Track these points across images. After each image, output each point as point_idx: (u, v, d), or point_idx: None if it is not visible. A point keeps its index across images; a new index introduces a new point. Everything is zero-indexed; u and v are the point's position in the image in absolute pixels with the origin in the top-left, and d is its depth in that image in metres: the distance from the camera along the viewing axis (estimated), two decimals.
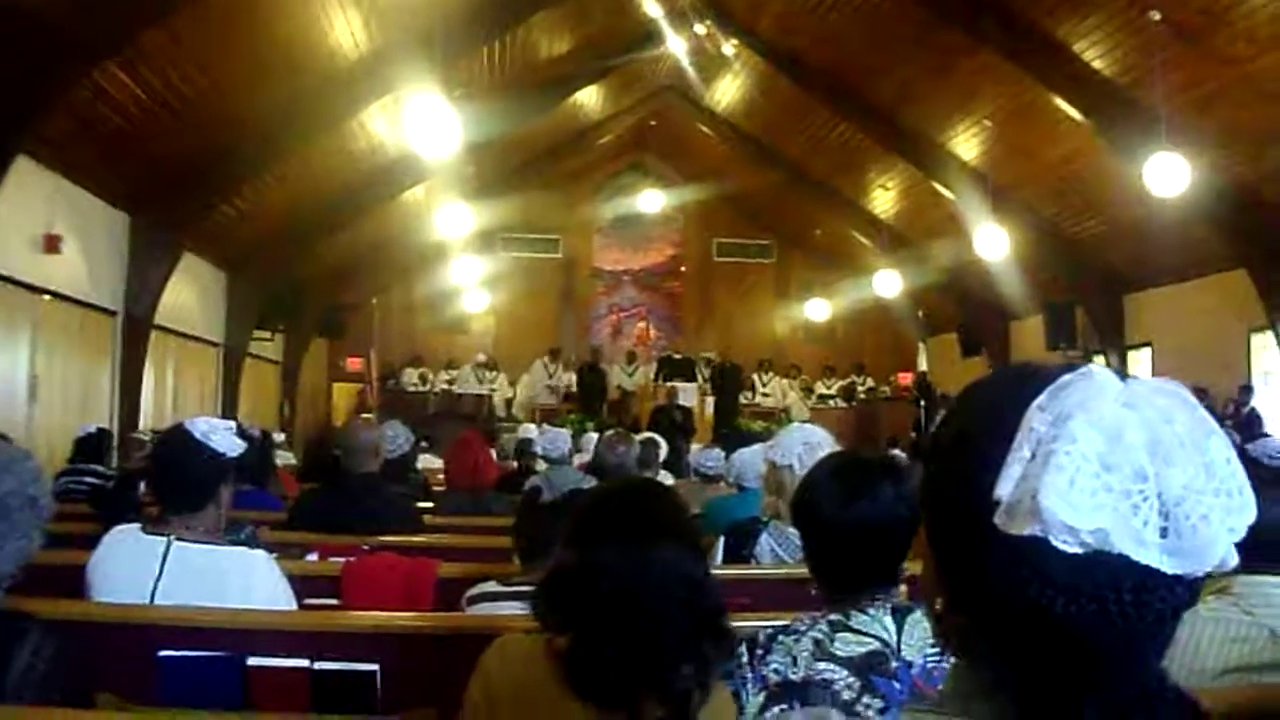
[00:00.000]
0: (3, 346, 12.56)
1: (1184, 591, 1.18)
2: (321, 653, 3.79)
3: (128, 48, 11.87)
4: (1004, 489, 1.16)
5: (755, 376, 27.71)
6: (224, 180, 15.84)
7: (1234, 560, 1.16)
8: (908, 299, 26.33)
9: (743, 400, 25.84)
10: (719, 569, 5.04)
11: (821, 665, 2.73)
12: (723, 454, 9.84)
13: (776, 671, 2.77)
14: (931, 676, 2.71)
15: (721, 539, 5.51)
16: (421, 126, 14.60)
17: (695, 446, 15.08)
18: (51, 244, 13.13)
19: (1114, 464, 1.13)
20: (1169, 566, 1.14)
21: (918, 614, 2.81)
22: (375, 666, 3.82)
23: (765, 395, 27.79)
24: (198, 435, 4.05)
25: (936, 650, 2.73)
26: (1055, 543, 1.13)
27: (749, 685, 2.80)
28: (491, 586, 4.41)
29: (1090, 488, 1.12)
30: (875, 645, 2.78)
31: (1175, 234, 16.83)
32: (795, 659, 2.76)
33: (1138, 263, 19.20)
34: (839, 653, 2.76)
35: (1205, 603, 3.39)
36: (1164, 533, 1.13)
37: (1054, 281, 20.97)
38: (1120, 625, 1.16)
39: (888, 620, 2.82)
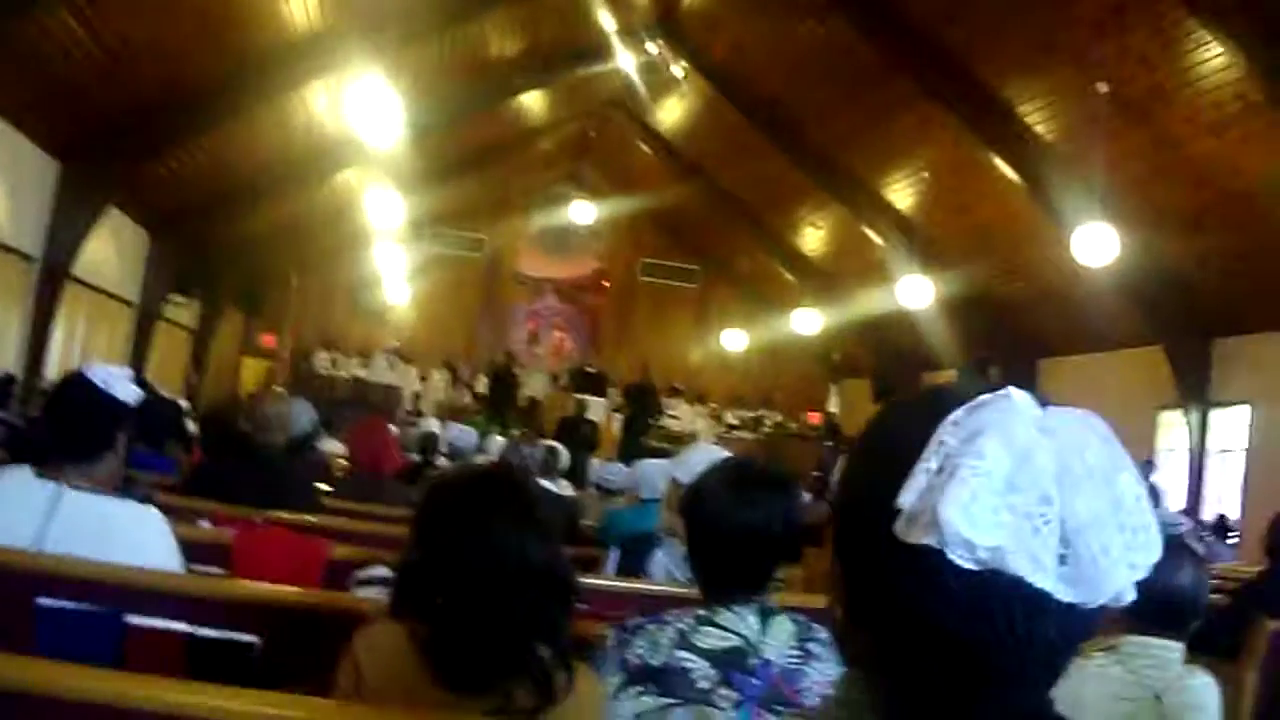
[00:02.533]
0: None
1: (1078, 624, 1.18)
2: (203, 619, 3.74)
3: None
4: (907, 498, 1.15)
5: (665, 400, 27.76)
6: (159, 138, 15.66)
7: (1130, 595, 1.16)
8: (825, 339, 26.47)
9: (652, 421, 25.83)
10: (610, 580, 5.03)
11: (681, 654, 2.83)
12: (624, 468, 9.86)
13: (639, 655, 2.86)
14: (791, 677, 2.83)
15: (614, 551, 5.50)
16: (363, 109, 14.52)
17: (597, 461, 15.08)
18: None
19: (1020, 485, 1.12)
20: (1064, 594, 1.13)
21: (782, 617, 2.94)
22: (256, 639, 3.77)
23: (674, 418, 27.84)
24: (97, 382, 3.94)
25: (798, 653, 2.85)
26: (951, 556, 1.12)
27: (608, 665, 2.89)
28: (381, 571, 4.38)
29: (992, 505, 1.11)
30: (737, 642, 2.87)
31: (1097, 304, 17.00)
32: (658, 645, 2.86)
33: (1058, 328, 19.38)
34: (700, 644, 2.85)
35: (1092, 658, 3.44)
36: (1062, 559, 1.13)
37: (971, 338, 21.07)
38: (1011, 648, 1.15)
39: (752, 619, 2.91)
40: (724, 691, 2.78)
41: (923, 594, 1.15)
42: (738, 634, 2.88)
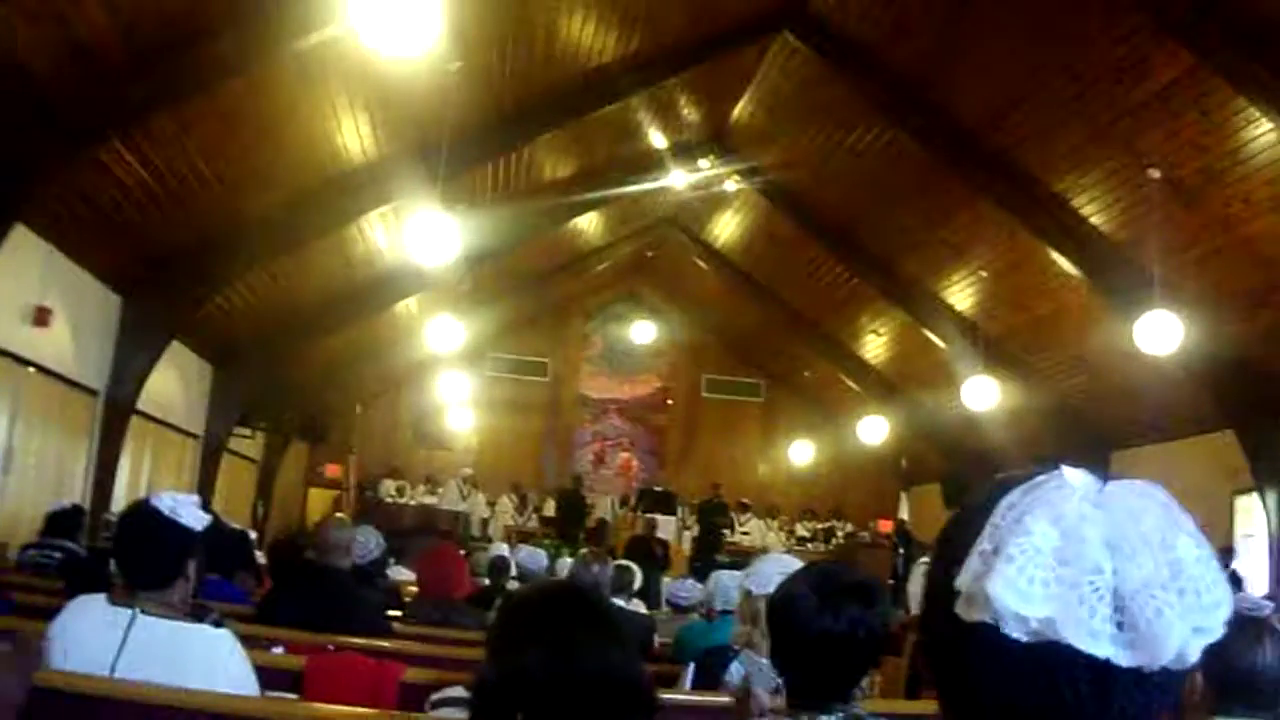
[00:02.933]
0: None
1: (1154, 694, 1.20)
2: None
3: (136, 129, 11.90)
4: (963, 580, 1.21)
5: (734, 516, 27.66)
6: (219, 272, 15.81)
7: (1194, 657, 1.17)
8: (893, 446, 26.33)
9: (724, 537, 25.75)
10: (688, 695, 4.97)
11: None
12: (696, 585, 9.80)
13: None
14: None
15: (691, 665, 5.44)
16: (420, 237, 14.60)
17: (668, 579, 14.99)
18: (41, 317, 13.05)
19: (1069, 558, 1.16)
20: (1123, 659, 1.15)
21: None
22: None
23: (744, 534, 27.72)
24: (164, 510, 3.97)
25: None
26: (1006, 631, 1.16)
27: None
28: (458, 691, 4.33)
29: (1041, 578, 1.15)
30: None
31: (1165, 392, 16.87)
32: None
33: (1126, 420, 19.20)
34: None
35: None
36: (1120, 626, 1.15)
37: (1041, 436, 20.90)
38: (1079, 718, 1.18)
39: None
40: None
41: (990, 672, 1.21)
42: None
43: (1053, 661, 1.16)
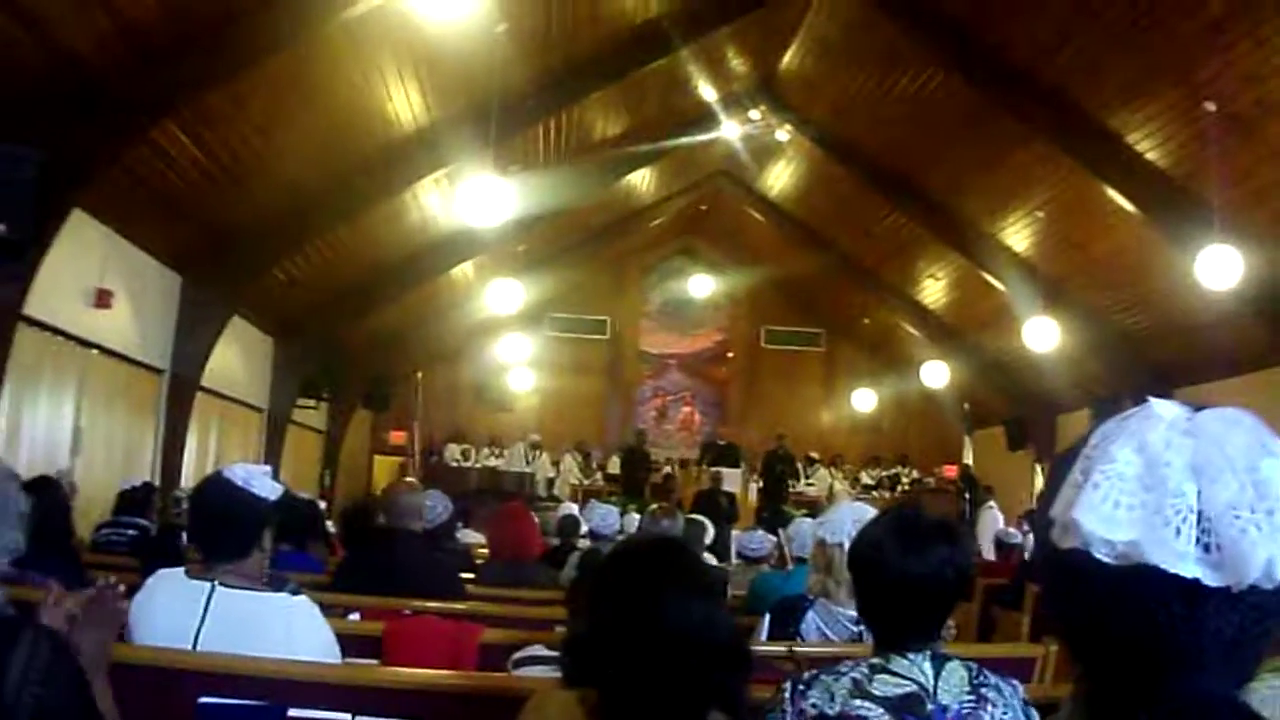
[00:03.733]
0: (49, 398, 12.58)
1: (1251, 615, 1.22)
2: (363, 707, 3.72)
3: (188, 108, 11.94)
4: (1056, 509, 1.27)
5: (800, 467, 27.65)
6: (276, 245, 15.92)
7: None
8: (955, 391, 26.26)
9: (789, 488, 25.70)
10: (765, 646, 4.97)
11: (857, 702, 2.82)
12: (766, 536, 9.81)
13: (814, 706, 2.84)
14: None
15: (767, 616, 5.43)
16: (474, 201, 14.60)
17: (737, 531, 15.00)
18: (103, 299, 13.18)
19: (1151, 483, 1.21)
20: (1210, 579, 1.18)
21: (955, 663, 2.93)
22: None
23: (810, 484, 27.73)
24: (238, 481, 4.05)
25: (973, 698, 2.85)
26: (1096, 555, 1.21)
27: (785, 718, 2.87)
28: (539, 650, 4.37)
29: (1124, 503, 1.20)
30: (912, 688, 2.87)
31: (1227, 328, 16.66)
32: (833, 695, 2.84)
33: (1188, 357, 19.02)
34: (876, 692, 2.85)
35: (1264, 680, 3.33)
36: (1205, 547, 1.18)
37: (1103, 375, 20.76)
38: (1177, 639, 1.21)
39: (926, 666, 2.91)
40: None
41: (1087, 597, 1.25)
42: (913, 680, 2.87)
43: (1143, 585, 1.19)
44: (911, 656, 2.93)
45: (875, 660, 2.94)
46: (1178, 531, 1.17)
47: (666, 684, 2.54)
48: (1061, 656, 1.25)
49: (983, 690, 2.89)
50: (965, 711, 2.84)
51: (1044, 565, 1.33)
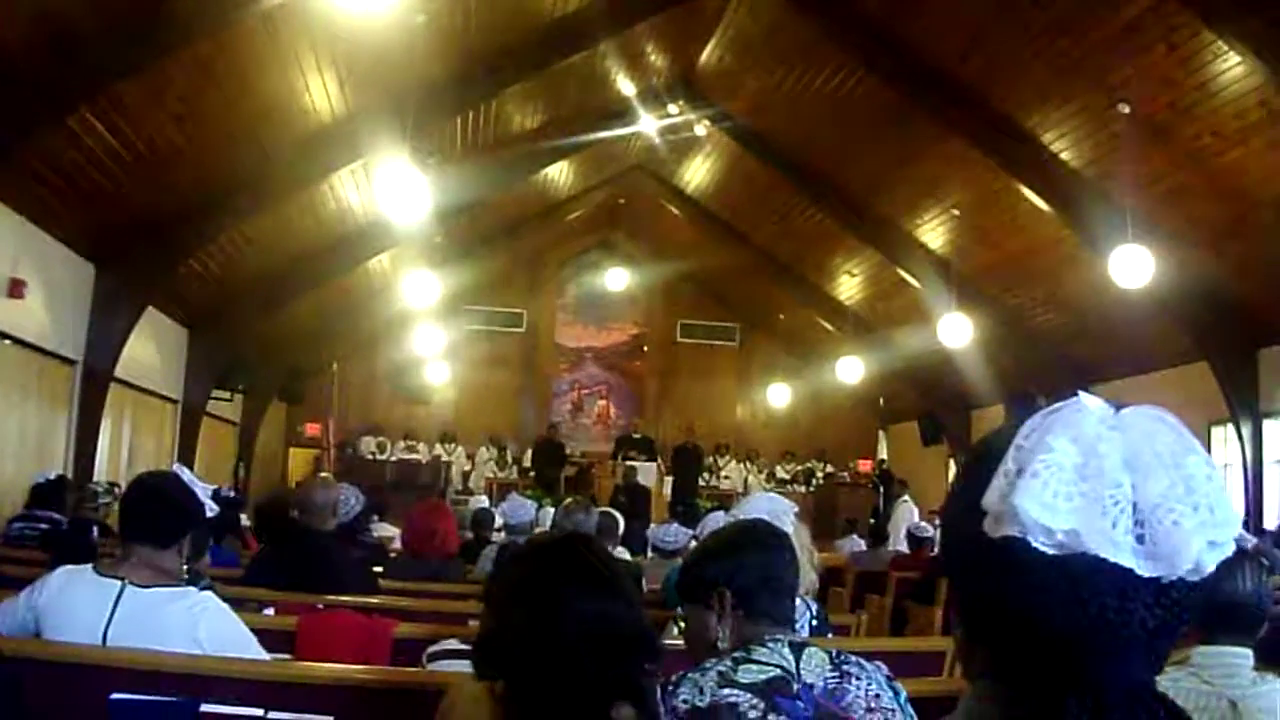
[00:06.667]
0: None
1: (1171, 606, 1.25)
2: (276, 703, 3.73)
3: (104, 96, 11.84)
4: (990, 499, 1.26)
5: (713, 459, 27.76)
6: (191, 235, 15.78)
7: (1210, 567, 1.23)
8: (870, 386, 26.40)
9: (701, 482, 25.77)
10: (677, 639, 5.01)
11: (725, 691, 2.95)
12: (681, 529, 9.83)
13: (685, 701, 2.95)
14: (835, 695, 2.99)
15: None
16: (391, 192, 14.58)
17: (652, 524, 15.05)
18: (15, 289, 13.05)
19: (1089, 474, 1.22)
20: (1144, 569, 1.21)
21: (813, 648, 3.11)
22: (330, 719, 3.76)
23: (725, 478, 27.85)
24: (185, 479, 4.24)
25: (835, 674, 3.03)
26: (1034, 543, 1.21)
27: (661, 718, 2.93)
28: (454, 644, 4.39)
29: (1064, 492, 1.21)
30: (776, 672, 3.01)
31: (1139, 325, 16.93)
32: (702, 689, 2.96)
33: (1101, 354, 19.26)
34: (742, 679, 2.97)
35: (1165, 673, 3.43)
36: (1139, 538, 1.21)
37: (1017, 371, 20.96)
38: (1106, 630, 1.24)
39: (786, 651, 3.07)
40: (773, 717, 2.90)
41: (1018, 588, 1.26)
42: (776, 665, 3.02)
43: (1077, 573, 1.22)
44: (771, 645, 3.07)
45: (737, 653, 3.07)
46: (1115, 522, 1.20)
47: (567, 679, 2.56)
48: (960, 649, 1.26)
49: (845, 668, 3.05)
50: (831, 685, 2.99)
51: (964, 555, 1.35)
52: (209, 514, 4.26)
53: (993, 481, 1.26)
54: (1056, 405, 1.29)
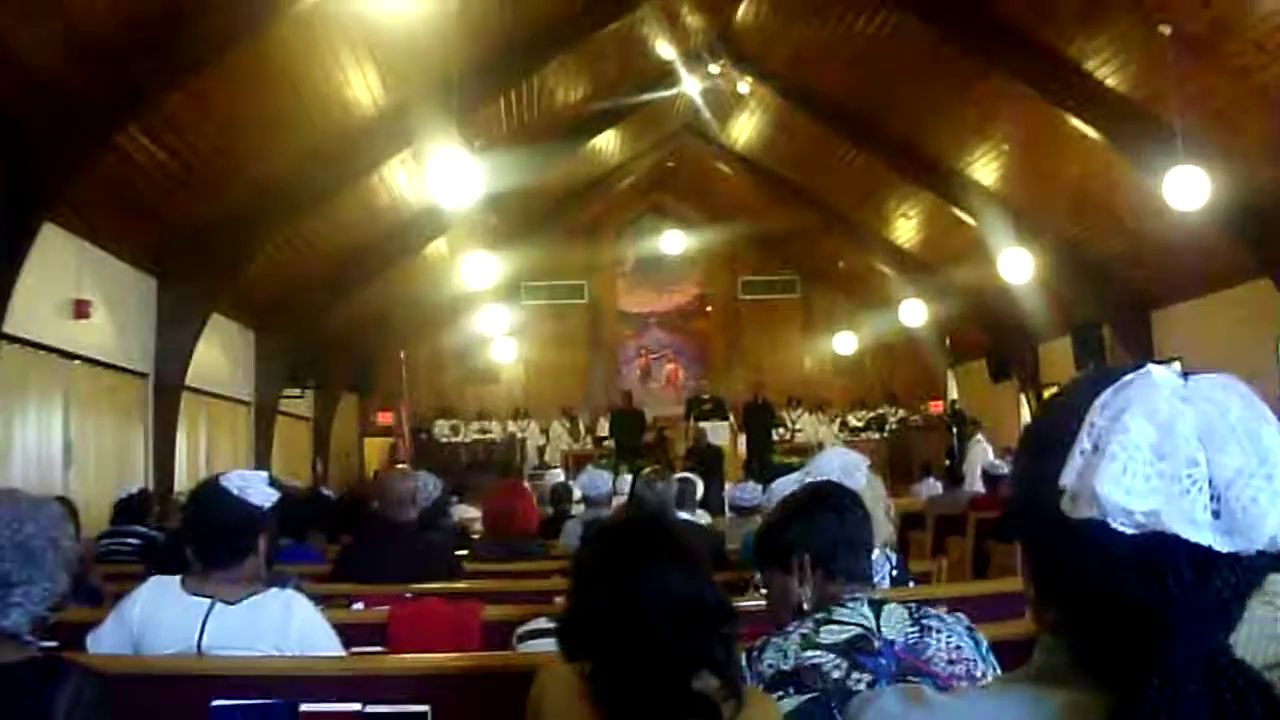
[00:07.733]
0: (37, 414, 12.61)
1: (1244, 574, 1.26)
2: (372, 697, 3.79)
3: (148, 111, 11.95)
4: (1068, 479, 1.27)
5: (785, 413, 27.63)
6: (248, 239, 15.88)
7: None
8: (934, 327, 26.25)
9: (775, 437, 25.68)
10: (758, 599, 5.04)
11: (809, 653, 3.00)
12: (757, 487, 9.83)
13: (770, 666, 3.00)
14: (916, 650, 3.03)
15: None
16: (442, 178, 14.60)
17: (729, 484, 15.04)
18: (81, 309, 13.20)
19: (1166, 452, 1.22)
20: (1221, 545, 1.22)
21: (892, 605, 3.15)
22: (427, 709, 3.81)
23: (797, 431, 27.74)
24: (233, 490, 4.06)
25: (916, 629, 3.06)
26: (1114, 525, 1.23)
27: (749, 684, 2.95)
28: (543, 623, 4.44)
29: (1143, 474, 1.22)
30: (857, 630, 3.05)
31: (1198, 247, 16.69)
32: (785, 653, 3.02)
33: (1162, 278, 19.04)
34: (824, 640, 3.03)
35: None
36: (1216, 514, 1.21)
37: (1079, 302, 20.79)
38: (1184, 603, 1.23)
39: (865, 610, 3.11)
40: (857, 675, 2.94)
41: (1097, 564, 1.27)
42: (857, 624, 3.06)
43: (1156, 552, 1.23)
44: (851, 604, 3.12)
45: (818, 615, 3.11)
46: (1194, 499, 1.21)
47: (650, 654, 2.65)
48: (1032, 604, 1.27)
49: (925, 622, 3.07)
50: (912, 640, 3.03)
51: (1038, 524, 1.36)
52: (269, 504, 4.12)
53: (1069, 459, 1.27)
54: (1125, 379, 1.30)
